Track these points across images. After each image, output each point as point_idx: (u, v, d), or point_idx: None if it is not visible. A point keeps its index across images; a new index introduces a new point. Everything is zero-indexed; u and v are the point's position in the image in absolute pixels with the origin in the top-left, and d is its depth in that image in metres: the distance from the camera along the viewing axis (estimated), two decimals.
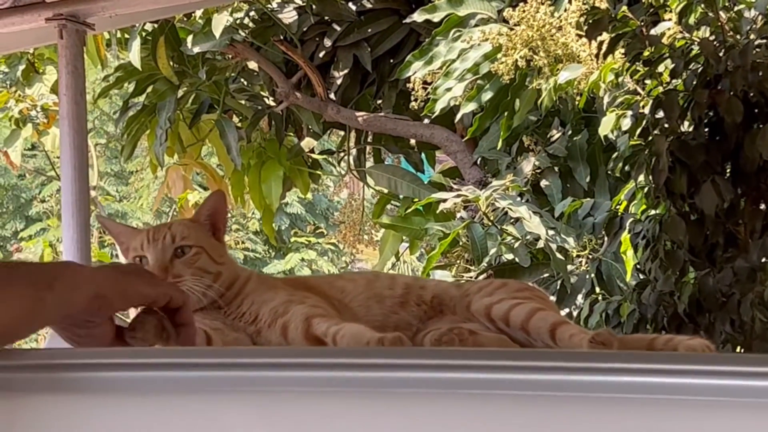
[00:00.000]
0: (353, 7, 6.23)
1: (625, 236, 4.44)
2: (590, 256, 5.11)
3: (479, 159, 5.93)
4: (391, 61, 6.24)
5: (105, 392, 1.21)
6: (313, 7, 6.21)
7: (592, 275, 5.09)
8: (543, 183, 5.50)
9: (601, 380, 1.05)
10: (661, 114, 3.94)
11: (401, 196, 6.54)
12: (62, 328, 1.38)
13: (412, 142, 6.71)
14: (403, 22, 5.91)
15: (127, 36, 6.15)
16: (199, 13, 5.97)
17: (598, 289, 5.05)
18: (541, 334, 1.81)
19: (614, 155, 4.98)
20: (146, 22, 5.67)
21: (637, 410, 1.04)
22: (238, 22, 6.11)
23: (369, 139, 6.77)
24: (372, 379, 1.13)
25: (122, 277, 1.45)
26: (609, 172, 5.52)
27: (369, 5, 6.22)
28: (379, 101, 6.48)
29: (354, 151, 6.83)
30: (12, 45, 4.41)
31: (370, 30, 6.13)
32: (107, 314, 1.38)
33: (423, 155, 6.88)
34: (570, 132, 5.59)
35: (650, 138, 4.06)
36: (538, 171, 5.52)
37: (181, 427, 1.18)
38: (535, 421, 1.06)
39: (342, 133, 7.11)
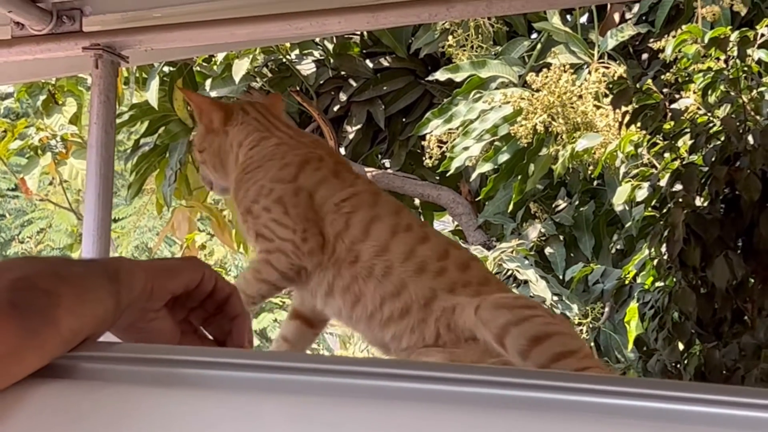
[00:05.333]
0: (370, 65, 6.32)
1: (632, 306, 4.49)
2: (591, 325, 5.15)
3: (483, 222, 5.99)
4: (404, 119, 6.32)
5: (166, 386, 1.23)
6: (331, 61, 6.30)
7: (591, 344, 5.13)
8: (547, 250, 5.56)
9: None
10: (678, 187, 4.00)
11: None
12: (125, 329, 1.36)
13: (416, 201, 6.76)
14: (426, 80, 6.01)
15: (145, 76, 6.21)
16: (220, 57, 6.05)
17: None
18: None
19: (627, 224, 5.05)
20: (177, 60, 5.73)
21: None
22: (256, 69, 6.18)
23: None
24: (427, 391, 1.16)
25: (165, 259, 1.50)
26: (612, 244, 5.59)
27: (386, 63, 6.31)
28: (385, 160, 6.55)
29: None
30: (44, 72, 4.45)
31: (385, 88, 6.22)
32: (161, 298, 1.36)
33: (421, 216, 6.93)
34: (577, 202, 5.66)
35: (665, 210, 4.12)
36: (544, 238, 5.58)
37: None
38: None
39: None
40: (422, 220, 2.29)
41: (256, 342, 9.61)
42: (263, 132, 2.38)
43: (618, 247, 5.66)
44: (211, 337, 1.50)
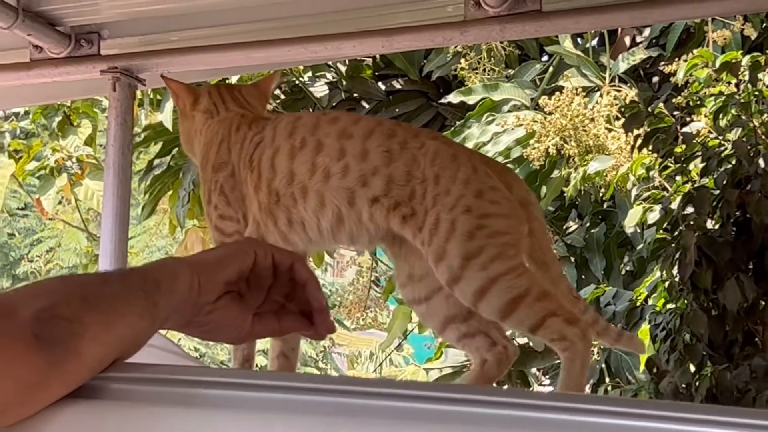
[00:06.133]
0: (382, 87, 6.36)
1: (643, 328, 4.51)
2: (602, 347, 5.17)
3: None
4: None
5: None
6: (344, 83, 6.34)
7: (603, 365, 5.15)
8: None
9: None
10: (689, 209, 4.03)
11: None
12: (183, 326, 1.37)
13: None
14: (438, 102, 6.04)
15: (159, 97, 6.25)
16: (234, 80, 6.08)
17: (608, 380, 5.10)
18: None
19: (638, 247, 5.07)
20: (192, 82, 5.75)
21: None
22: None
23: None
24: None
25: (213, 250, 1.47)
26: (623, 266, 5.61)
27: (398, 86, 6.35)
28: None
29: None
30: (61, 95, 4.50)
31: (397, 110, 6.25)
32: (214, 291, 1.36)
33: None
34: (588, 224, 5.68)
35: (677, 232, 4.15)
36: None
37: None
38: None
39: None
40: (322, 116, 2.23)
41: (262, 361, 9.56)
42: (212, 117, 2.40)
43: (628, 268, 5.67)
44: (296, 311, 1.46)
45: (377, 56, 6.34)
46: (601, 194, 5.07)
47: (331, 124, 2.16)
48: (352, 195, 2.06)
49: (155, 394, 1.27)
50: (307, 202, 2.10)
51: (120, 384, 1.27)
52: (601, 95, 5.11)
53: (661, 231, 4.40)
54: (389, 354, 12.60)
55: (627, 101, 4.93)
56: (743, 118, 4.13)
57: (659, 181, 4.41)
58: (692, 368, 4.19)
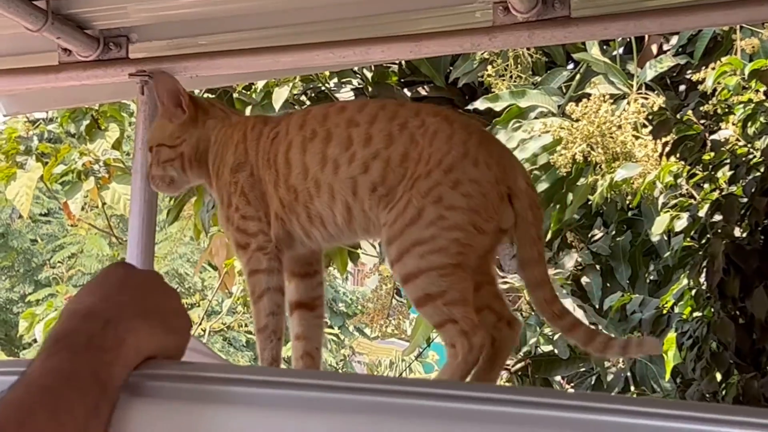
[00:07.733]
0: (408, 93, 6.34)
1: (670, 336, 4.50)
2: None
3: None
4: None
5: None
6: (370, 89, 6.32)
7: (628, 374, 5.14)
8: (584, 279, 5.57)
9: None
10: (717, 217, 4.02)
11: None
12: None
13: None
14: (464, 109, 6.02)
15: None
16: (259, 85, 6.09)
17: (633, 388, 5.09)
18: None
19: (665, 255, 5.06)
20: (217, 87, 5.77)
21: None
22: (296, 97, 6.22)
23: None
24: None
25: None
26: (647, 274, 5.60)
27: (424, 93, 6.34)
28: None
29: None
30: (89, 98, 4.52)
31: None
32: None
33: None
34: (614, 232, 5.67)
35: (704, 240, 4.14)
36: (580, 267, 5.59)
37: None
38: None
39: None
40: (331, 107, 2.20)
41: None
42: (223, 122, 2.39)
43: (652, 277, 5.66)
44: None
45: (403, 63, 6.34)
46: (627, 202, 5.05)
47: (340, 114, 2.16)
48: (354, 184, 2.06)
49: (191, 392, 1.28)
50: (321, 196, 2.10)
51: (154, 381, 1.29)
52: (628, 102, 5.09)
53: (688, 239, 4.39)
54: (410, 363, 12.60)
55: (654, 109, 4.91)
56: None
57: (687, 189, 4.40)
58: (719, 377, 4.18)
